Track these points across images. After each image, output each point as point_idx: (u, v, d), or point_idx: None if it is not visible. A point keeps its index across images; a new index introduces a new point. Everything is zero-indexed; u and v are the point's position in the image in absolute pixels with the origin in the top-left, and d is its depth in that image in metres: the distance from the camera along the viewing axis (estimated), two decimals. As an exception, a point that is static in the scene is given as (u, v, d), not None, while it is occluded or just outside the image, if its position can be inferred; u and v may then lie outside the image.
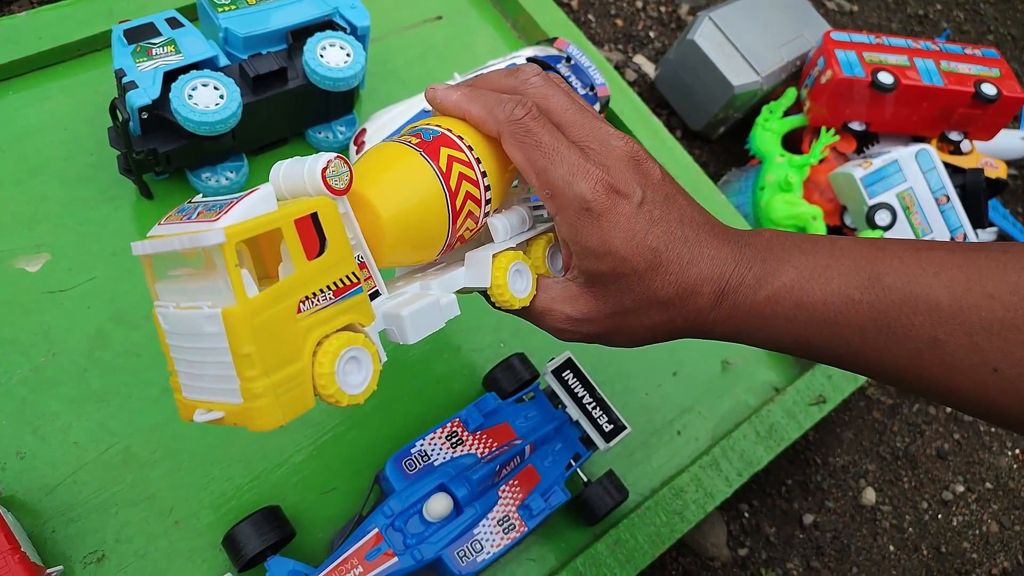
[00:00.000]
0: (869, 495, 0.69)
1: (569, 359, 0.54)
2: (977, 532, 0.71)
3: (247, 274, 0.28)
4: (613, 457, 0.58)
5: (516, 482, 0.51)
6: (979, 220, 0.80)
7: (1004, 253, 0.32)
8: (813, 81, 0.77)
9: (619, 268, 0.35)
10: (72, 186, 0.58)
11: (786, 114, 0.80)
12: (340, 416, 0.54)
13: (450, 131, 0.36)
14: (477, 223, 0.37)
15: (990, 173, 0.80)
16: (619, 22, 0.93)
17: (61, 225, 0.57)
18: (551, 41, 0.72)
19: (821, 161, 0.78)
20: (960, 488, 0.72)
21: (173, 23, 0.57)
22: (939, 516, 0.70)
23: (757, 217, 0.75)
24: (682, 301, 0.36)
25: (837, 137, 0.77)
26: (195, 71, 0.54)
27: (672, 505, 0.56)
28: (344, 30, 0.61)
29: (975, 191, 0.76)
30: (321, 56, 0.58)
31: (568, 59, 0.71)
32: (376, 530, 0.45)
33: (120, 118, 0.52)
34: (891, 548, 0.68)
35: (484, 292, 0.38)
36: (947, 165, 0.81)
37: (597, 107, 0.68)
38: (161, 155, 0.55)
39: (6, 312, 0.53)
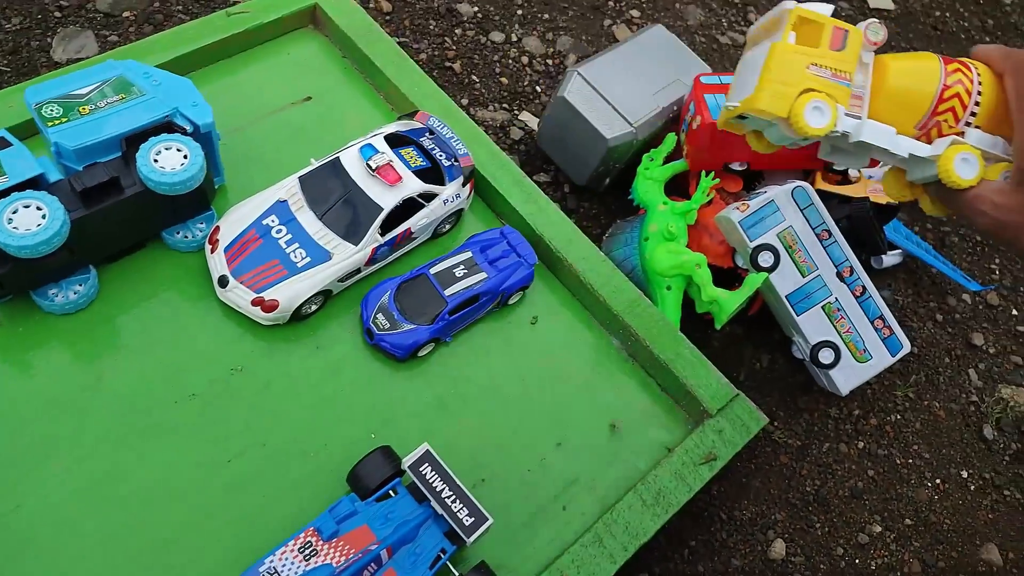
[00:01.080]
0: (779, 547, 0.67)
1: (427, 451, 0.52)
2: (898, 574, 0.68)
3: (792, 34, 0.54)
4: (492, 544, 0.56)
5: None
6: (875, 247, 0.79)
7: None
8: (687, 127, 0.76)
9: None
10: (-92, 318, 0.56)
11: (668, 159, 0.79)
12: (191, 529, 0.52)
13: (973, 66, 0.54)
14: (957, 124, 0.53)
15: (878, 199, 0.80)
16: (504, 80, 0.93)
17: None
18: (412, 115, 0.71)
19: (710, 203, 0.77)
20: (877, 528, 0.70)
21: (1, 143, 0.56)
22: (856, 561, 0.68)
23: (644, 268, 0.74)
24: None
25: (716, 180, 0.76)
26: (16, 193, 0.52)
27: (554, 589, 0.54)
28: (184, 130, 0.60)
29: (862, 221, 0.76)
30: (155, 161, 0.56)
31: (431, 132, 0.70)
32: None
33: (-64, 250, 0.51)
34: (808, 600, 0.66)
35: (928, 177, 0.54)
36: (836, 196, 0.80)
37: (461, 178, 0.68)
38: (-10, 281, 0.53)
39: None
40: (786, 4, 0.56)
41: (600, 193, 0.85)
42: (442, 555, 0.51)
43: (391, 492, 0.53)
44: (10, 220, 0.51)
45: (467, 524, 0.50)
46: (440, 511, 0.51)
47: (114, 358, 0.58)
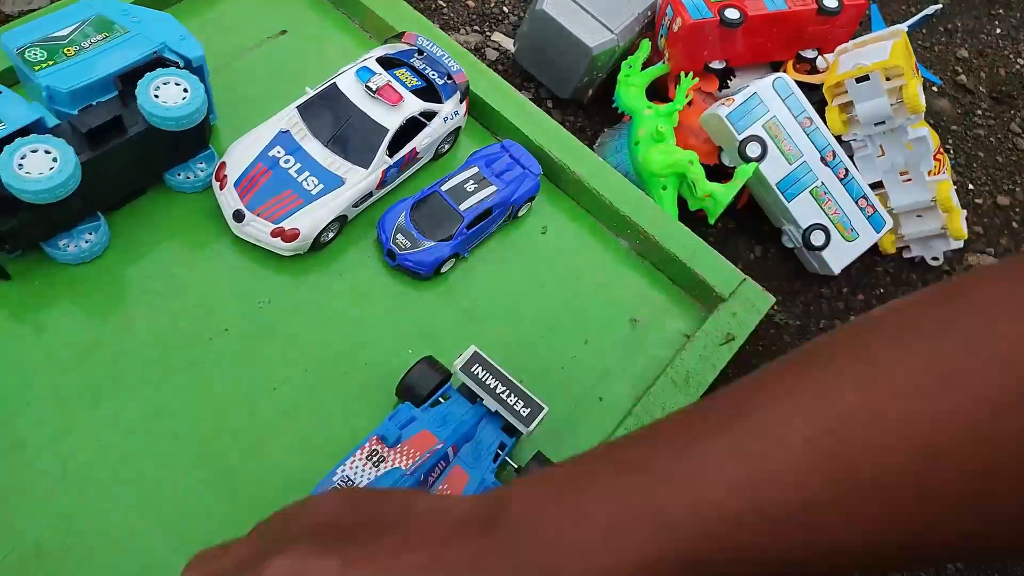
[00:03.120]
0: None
1: (476, 353, 0.54)
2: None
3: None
4: (540, 438, 0.58)
5: (446, 486, 0.50)
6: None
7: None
8: (667, 31, 0.78)
9: None
10: (-85, 283, 0.54)
11: (645, 65, 0.81)
12: (251, 456, 0.53)
13: None
14: None
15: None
16: (471, 3, 0.92)
17: (-90, 328, 0.53)
18: (399, 36, 0.71)
19: (689, 104, 0.79)
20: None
21: (-12, 91, 0.53)
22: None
23: (637, 172, 0.76)
24: None
25: (696, 80, 0.78)
26: (21, 138, 0.50)
27: (605, 472, 0.56)
28: (177, 65, 0.58)
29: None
30: (156, 96, 0.55)
31: (420, 52, 0.70)
32: None
33: (-53, 203, 0.49)
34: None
35: None
36: (806, 85, 0.83)
37: (458, 95, 0.68)
38: (4, 234, 0.52)
39: None
40: (900, 27, 0.77)
41: (583, 105, 0.86)
42: (500, 451, 0.53)
43: (441, 399, 0.55)
44: (20, 166, 0.50)
45: (524, 415, 0.52)
46: (496, 407, 0.52)
47: (140, 303, 0.57)
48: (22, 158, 0.50)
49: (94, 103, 0.55)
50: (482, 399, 0.53)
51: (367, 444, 0.50)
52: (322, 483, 0.48)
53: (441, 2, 0.91)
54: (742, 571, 0.27)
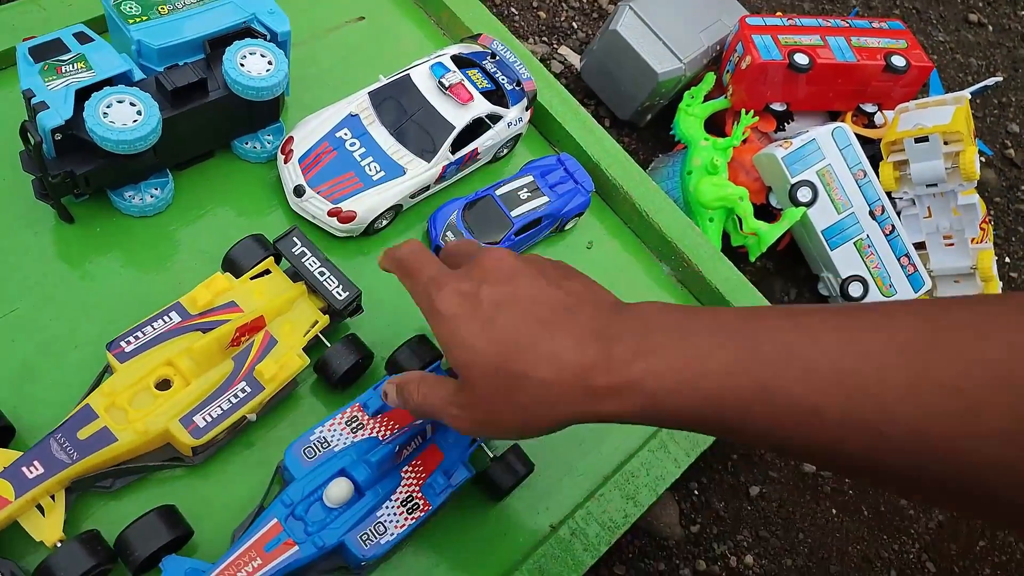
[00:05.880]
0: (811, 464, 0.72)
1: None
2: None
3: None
4: (562, 447, 0.58)
5: (419, 462, 0.50)
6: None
7: (878, 314, 0.32)
8: (734, 67, 0.79)
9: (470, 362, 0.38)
10: (-17, 214, 0.56)
11: (707, 98, 0.82)
12: (270, 424, 0.54)
13: None
14: None
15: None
16: (542, 14, 0.93)
17: (-26, 256, 0.54)
18: (475, 37, 0.72)
19: (744, 142, 0.81)
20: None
21: (82, 38, 0.55)
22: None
23: (686, 201, 0.77)
24: (550, 389, 0.36)
25: (756, 118, 0.79)
26: (109, 87, 0.52)
27: (625, 490, 0.57)
28: (264, 37, 0.59)
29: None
30: (242, 65, 0.56)
31: (493, 55, 0.71)
32: (275, 520, 0.45)
33: (32, 141, 0.50)
34: (833, 511, 0.71)
35: None
36: (861, 138, 0.84)
37: (525, 102, 0.69)
38: (79, 177, 0.53)
39: (-78, 351, 0.50)
40: (963, 94, 0.78)
41: (639, 128, 0.87)
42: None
43: None
44: (105, 114, 0.51)
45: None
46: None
47: (191, 263, 0.58)
48: (108, 107, 0.51)
49: (180, 63, 0.57)
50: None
51: (348, 409, 0.50)
52: (298, 442, 0.48)
53: (514, 9, 0.92)
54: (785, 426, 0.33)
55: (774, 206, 0.79)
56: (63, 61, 0.53)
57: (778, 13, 0.93)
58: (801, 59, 0.76)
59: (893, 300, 0.36)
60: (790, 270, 0.84)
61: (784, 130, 0.84)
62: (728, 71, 0.80)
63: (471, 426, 0.40)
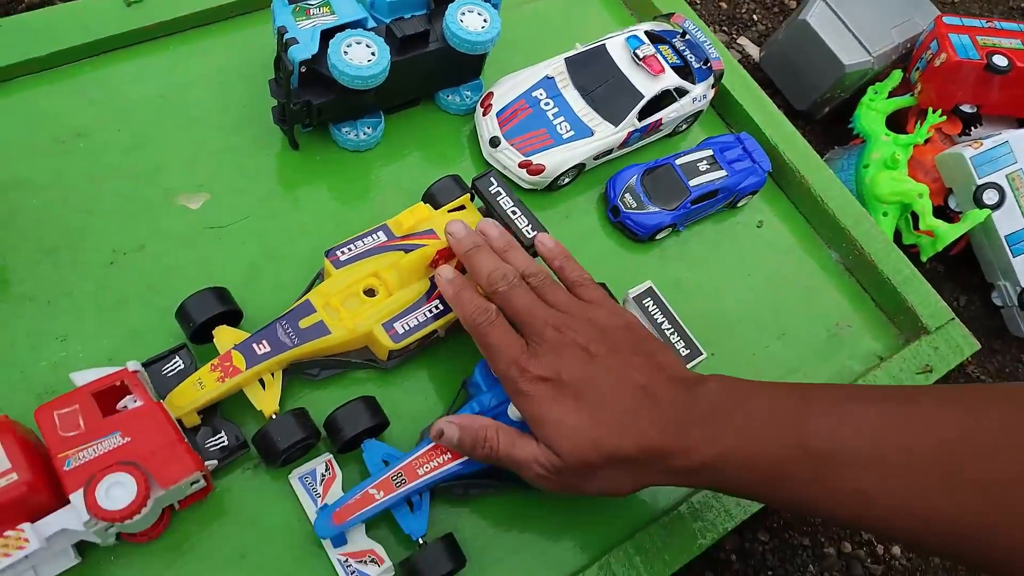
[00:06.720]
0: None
1: (650, 287, 0.57)
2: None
3: None
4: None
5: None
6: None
7: (919, 407, 0.39)
8: (926, 64, 0.78)
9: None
10: (227, 134, 0.64)
11: (891, 95, 0.81)
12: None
13: None
14: None
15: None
16: (723, 4, 0.95)
17: (218, 169, 0.62)
18: (668, 16, 0.75)
19: (926, 141, 0.79)
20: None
21: (324, -15, 0.62)
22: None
23: (861, 194, 0.76)
24: (635, 465, 0.43)
25: (944, 118, 0.77)
26: (349, 30, 0.58)
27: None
28: (482, -4, 0.64)
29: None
30: (461, 20, 0.62)
31: (683, 34, 0.73)
32: None
33: (283, 71, 0.57)
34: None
35: None
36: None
37: (711, 79, 0.71)
38: (314, 107, 0.60)
39: (171, 243, 0.58)
40: None
41: (813, 120, 0.87)
42: None
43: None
44: (345, 53, 0.57)
45: (683, 354, 0.55)
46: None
47: (390, 198, 0.64)
48: (347, 47, 0.58)
49: (406, 16, 0.63)
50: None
51: None
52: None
53: (696, -1, 0.94)
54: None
55: (953, 209, 0.77)
56: (311, 5, 0.60)
57: (975, 16, 0.91)
58: (1000, 61, 0.74)
59: (937, 387, 0.43)
60: (962, 275, 0.81)
61: (968, 135, 0.82)
62: (918, 68, 0.79)
63: (555, 487, 0.45)
